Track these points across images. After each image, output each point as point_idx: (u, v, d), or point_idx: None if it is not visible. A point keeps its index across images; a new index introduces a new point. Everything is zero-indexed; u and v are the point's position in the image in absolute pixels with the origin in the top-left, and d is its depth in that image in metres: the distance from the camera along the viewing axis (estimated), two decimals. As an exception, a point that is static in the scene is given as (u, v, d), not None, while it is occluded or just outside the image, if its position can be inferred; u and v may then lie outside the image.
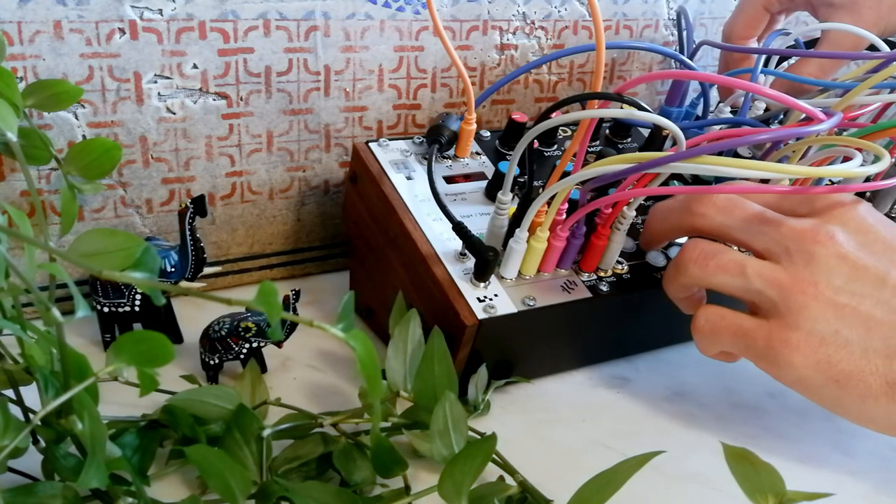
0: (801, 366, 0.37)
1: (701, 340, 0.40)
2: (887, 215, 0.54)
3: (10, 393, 0.32)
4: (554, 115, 0.37)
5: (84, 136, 0.43)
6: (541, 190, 0.39)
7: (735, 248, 0.41)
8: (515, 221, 0.41)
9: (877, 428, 0.38)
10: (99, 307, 0.43)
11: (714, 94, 0.56)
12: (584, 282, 0.43)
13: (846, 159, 0.38)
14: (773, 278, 0.37)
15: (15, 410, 0.30)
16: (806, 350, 0.36)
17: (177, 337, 0.46)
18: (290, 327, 0.41)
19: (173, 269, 0.43)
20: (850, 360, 0.36)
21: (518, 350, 0.44)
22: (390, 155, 0.46)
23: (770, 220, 0.38)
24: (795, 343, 0.36)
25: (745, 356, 0.39)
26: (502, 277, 0.41)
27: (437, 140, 0.46)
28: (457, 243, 0.42)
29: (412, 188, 0.44)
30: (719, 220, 0.39)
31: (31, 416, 0.31)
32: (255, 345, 0.41)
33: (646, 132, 0.52)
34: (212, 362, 0.42)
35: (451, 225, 0.41)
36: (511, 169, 0.39)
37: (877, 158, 0.37)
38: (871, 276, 0.36)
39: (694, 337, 0.41)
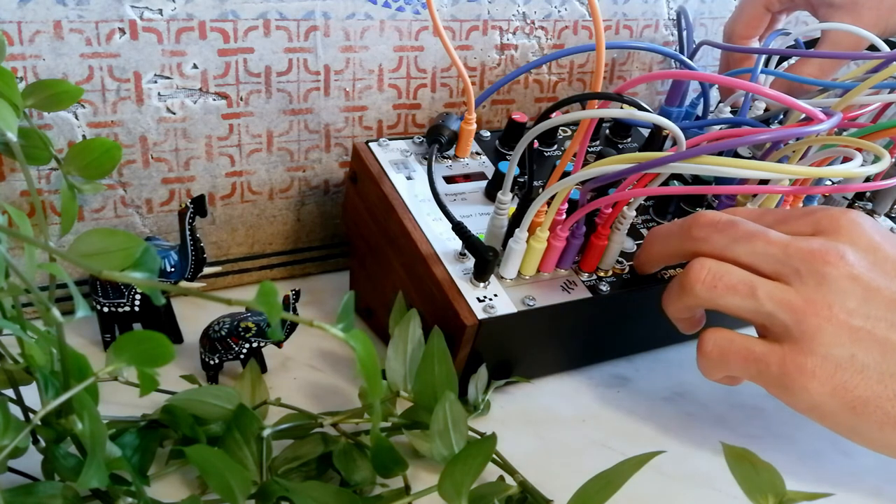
0: (816, 393, 0.35)
1: (707, 365, 0.39)
2: (887, 215, 0.54)
3: (10, 393, 0.32)
4: (554, 115, 0.37)
5: (84, 136, 0.43)
6: (541, 190, 0.39)
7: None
8: (515, 221, 0.41)
9: (895, 455, 0.37)
10: (99, 307, 0.43)
11: (714, 94, 0.56)
12: (584, 282, 0.43)
13: (846, 160, 0.38)
14: (785, 300, 0.36)
15: (15, 410, 0.30)
16: (822, 376, 0.35)
17: (177, 337, 0.46)
18: (290, 327, 0.41)
19: (173, 269, 0.43)
20: (866, 385, 0.35)
21: (518, 350, 0.44)
22: (390, 155, 0.46)
23: (775, 240, 0.37)
24: (811, 369, 0.35)
25: (756, 382, 0.38)
26: (502, 277, 0.41)
27: (437, 140, 0.46)
28: (457, 243, 0.42)
29: (412, 188, 0.44)
30: (722, 242, 0.38)
31: (31, 416, 0.31)
32: (255, 345, 0.41)
33: (646, 132, 0.52)
34: (212, 362, 0.42)
35: (450, 225, 0.41)
36: (511, 169, 0.39)
37: (877, 158, 0.37)
38: (885, 298, 0.35)
39: (700, 361, 0.39)
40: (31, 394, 0.31)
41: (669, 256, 0.41)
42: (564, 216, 0.40)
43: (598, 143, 0.52)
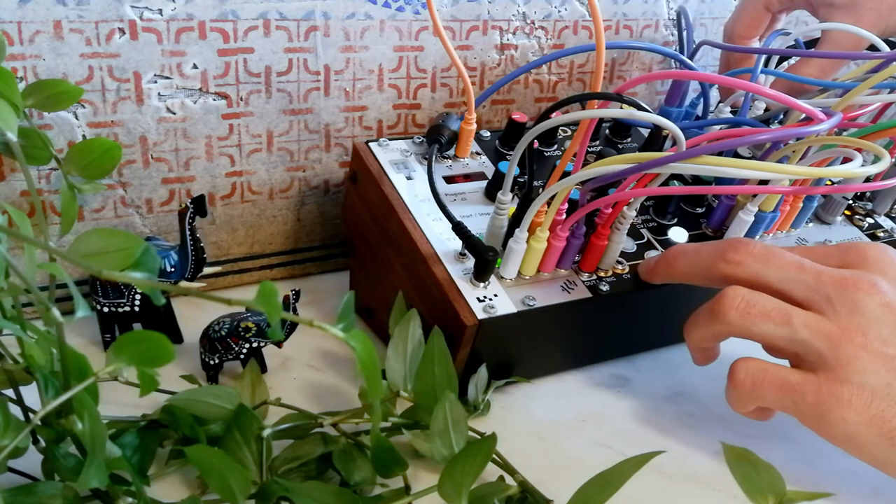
0: (853, 422, 0.35)
1: (739, 396, 0.38)
2: (887, 215, 0.54)
3: (10, 393, 0.32)
4: (554, 115, 0.37)
5: (84, 136, 0.43)
6: (541, 190, 0.39)
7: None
8: (515, 221, 0.41)
9: None
10: (99, 307, 0.43)
11: (714, 94, 0.56)
12: (584, 282, 0.43)
13: (846, 160, 0.38)
14: (820, 328, 0.36)
15: (15, 410, 0.30)
16: (858, 405, 0.35)
17: (177, 337, 0.46)
18: (290, 327, 0.41)
19: (173, 269, 0.43)
20: None
21: (518, 350, 0.44)
22: (390, 155, 0.46)
23: (808, 268, 0.37)
24: (847, 397, 0.35)
25: (790, 412, 0.37)
26: (502, 277, 0.41)
27: (437, 140, 0.46)
28: (457, 243, 0.42)
29: (412, 188, 0.44)
30: (756, 268, 0.38)
31: (31, 416, 0.31)
32: (255, 345, 0.41)
33: (646, 132, 0.52)
34: (212, 362, 0.42)
35: (450, 225, 0.41)
36: (511, 169, 0.39)
37: (877, 158, 0.37)
38: None
39: (730, 392, 0.39)
40: (31, 394, 0.31)
41: (697, 275, 0.40)
42: (564, 216, 0.40)
43: (598, 143, 0.52)
